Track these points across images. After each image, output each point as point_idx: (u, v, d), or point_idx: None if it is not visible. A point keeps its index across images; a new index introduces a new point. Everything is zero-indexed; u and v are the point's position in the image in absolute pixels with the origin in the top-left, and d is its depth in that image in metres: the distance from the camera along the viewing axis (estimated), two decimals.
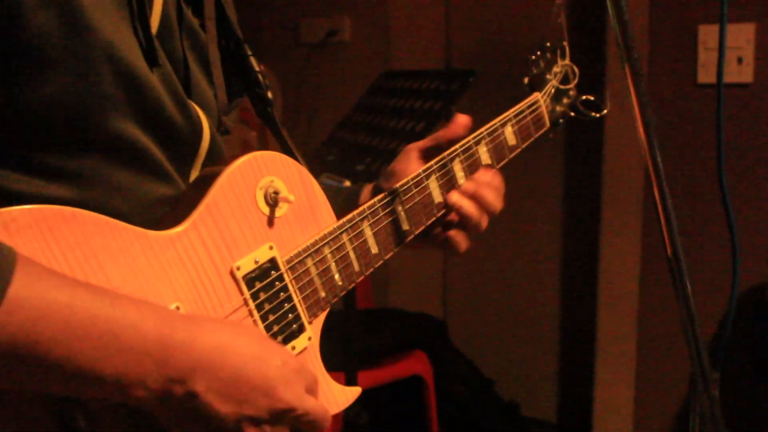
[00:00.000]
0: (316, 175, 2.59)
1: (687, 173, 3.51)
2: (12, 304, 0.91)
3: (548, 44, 1.86)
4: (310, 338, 1.31)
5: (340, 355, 2.55)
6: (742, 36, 3.33)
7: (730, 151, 3.36)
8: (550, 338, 4.28)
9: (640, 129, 1.34)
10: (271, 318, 1.26)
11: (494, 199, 1.55)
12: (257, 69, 1.48)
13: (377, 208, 1.46)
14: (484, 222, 1.55)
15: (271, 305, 1.26)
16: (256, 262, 1.25)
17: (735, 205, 3.24)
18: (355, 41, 4.30)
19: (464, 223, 1.55)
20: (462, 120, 1.57)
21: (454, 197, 1.54)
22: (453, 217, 1.56)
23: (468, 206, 1.53)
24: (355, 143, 2.71)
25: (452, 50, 4.42)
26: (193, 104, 1.26)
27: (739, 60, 3.36)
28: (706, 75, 3.44)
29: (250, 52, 1.48)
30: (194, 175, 1.29)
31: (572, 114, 1.87)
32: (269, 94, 1.48)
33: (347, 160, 2.63)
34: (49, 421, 1.03)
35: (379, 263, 1.48)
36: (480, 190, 1.54)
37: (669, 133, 3.51)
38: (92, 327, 0.97)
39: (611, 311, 3.64)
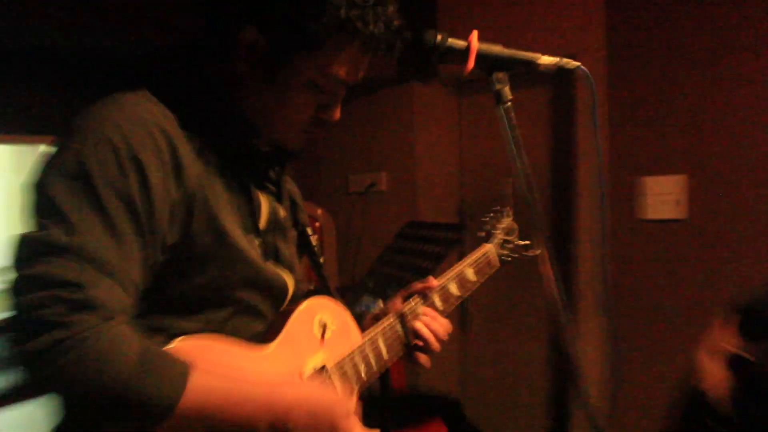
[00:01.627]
0: (359, 297, 2.81)
1: (635, 286, 3.68)
2: (193, 389, 1.15)
3: (497, 208, 2.02)
4: None
5: (378, 420, 2.51)
6: (677, 184, 3.59)
7: (670, 273, 3.62)
8: (541, 413, 4.33)
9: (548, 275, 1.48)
10: None
11: (438, 327, 1.71)
12: (314, 244, 1.70)
13: (386, 329, 1.66)
14: (435, 345, 1.70)
15: None
16: (314, 367, 1.47)
17: (682, 320, 3.40)
18: (390, 191, 4.46)
19: (425, 343, 1.69)
20: (432, 281, 1.76)
21: (418, 324, 1.69)
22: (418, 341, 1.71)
23: (425, 331, 1.69)
24: (387, 275, 2.97)
25: (464, 199, 4.56)
26: (282, 272, 1.47)
27: (677, 202, 3.59)
28: (652, 213, 3.64)
29: (311, 233, 1.70)
30: None
31: (516, 255, 2.00)
32: (321, 260, 1.70)
33: (381, 287, 2.85)
34: None
35: (390, 364, 1.66)
36: (429, 322, 1.70)
37: (619, 263, 3.70)
38: (233, 395, 1.21)
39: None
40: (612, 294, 3.63)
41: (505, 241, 1.98)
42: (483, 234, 1.99)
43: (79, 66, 3.48)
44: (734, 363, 2.97)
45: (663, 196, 3.64)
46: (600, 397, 3.59)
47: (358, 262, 4.32)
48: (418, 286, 1.75)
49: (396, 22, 1.38)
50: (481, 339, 4.60)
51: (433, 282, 1.76)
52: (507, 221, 2.01)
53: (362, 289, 2.96)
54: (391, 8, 1.37)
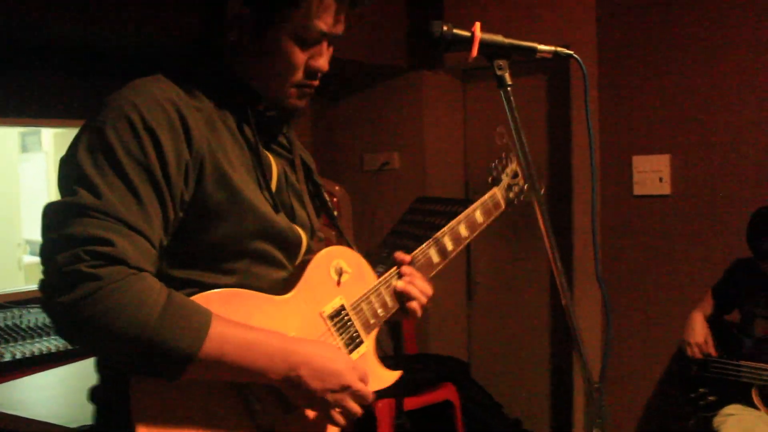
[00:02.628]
0: (374, 266, 2.80)
1: (629, 256, 3.77)
2: (213, 337, 1.18)
3: (502, 155, 2.01)
4: (367, 346, 1.55)
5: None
6: (661, 163, 3.66)
7: (654, 243, 3.70)
8: (541, 375, 4.40)
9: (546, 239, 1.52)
10: (345, 337, 1.51)
11: (420, 282, 1.66)
12: (327, 198, 1.67)
13: (399, 272, 1.65)
14: (423, 298, 1.65)
15: (344, 330, 1.50)
16: (333, 308, 1.49)
17: (658, 285, 3.46)
18: (402, 169, 4.52)
19: (414, 297, 1.65)
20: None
21: (401, 285, 1.64)
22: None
23: (410, 288, 1.63)
24: (399, 245, 2.74)
25: (469, 176, 4.64)
26: (296, 226, 1.49)
27: (660, 179, 3.67)
28: (639, 189, 3.72)
29: (324, 191, 1.67)
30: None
31: (521, 197, 2.00)
32: (335, 213, 1.69)
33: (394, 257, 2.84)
34: (235, 398, 1.30)
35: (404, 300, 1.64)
36: (412, 279, 1.65)
37: (611, 233, 3.79)
38: (250, 345, 1.24)
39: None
40: (601, 264, 3.66)
41: (510, 185, 2.01)
42: (490, 179, 2.01)
43: (109, 60, 3.58)
44: (714, 323, 3.14)
45: (649, 174, 3.71)
46: (594, 357, 3.54)
47: (373, 234, 4.35)
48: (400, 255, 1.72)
49: None
50: (486, 307, 4.68)
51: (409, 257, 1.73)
52: (511, 166, 2.03)
53: (376, 259, 2.94)
54: None
